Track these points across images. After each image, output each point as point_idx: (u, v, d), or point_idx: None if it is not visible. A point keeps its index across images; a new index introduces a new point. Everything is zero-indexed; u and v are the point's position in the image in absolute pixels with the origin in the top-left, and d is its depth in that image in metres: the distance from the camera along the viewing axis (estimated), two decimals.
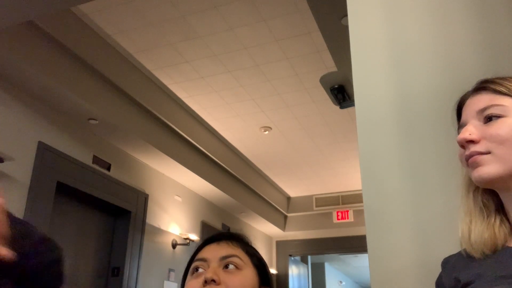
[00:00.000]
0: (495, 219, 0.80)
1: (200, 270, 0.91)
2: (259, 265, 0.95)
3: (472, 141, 0.78)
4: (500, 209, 0.81)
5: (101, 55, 3.55)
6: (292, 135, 5.19)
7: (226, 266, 0.90)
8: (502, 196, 0.80)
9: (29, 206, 3.08)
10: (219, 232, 1.02)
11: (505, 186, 0.77)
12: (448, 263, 0.85)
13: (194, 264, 0.93)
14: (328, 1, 2.55)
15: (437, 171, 1.07)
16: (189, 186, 5.23)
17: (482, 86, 0.82)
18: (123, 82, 3.75)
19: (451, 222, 1.00)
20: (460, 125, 0.84)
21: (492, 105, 0.78)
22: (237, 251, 0.93)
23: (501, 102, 0.78)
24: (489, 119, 0.78)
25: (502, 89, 0.79)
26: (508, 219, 0.80)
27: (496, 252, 0.77)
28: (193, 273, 0.92)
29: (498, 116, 0.77)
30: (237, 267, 0.90)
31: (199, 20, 3.35)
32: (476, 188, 0.83)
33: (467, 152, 0.78)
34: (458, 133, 0.83)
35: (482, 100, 0.80)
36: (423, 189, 1.07)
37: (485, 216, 0.80)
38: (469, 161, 0.78)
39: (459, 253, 0.85)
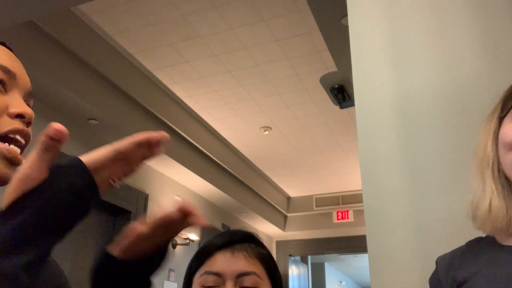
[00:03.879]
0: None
1: (213, 286, 0.83)
2: (273, 273, 0.89)
3: None
4: None
5: (101, 55, 3.55)
6: (292, 135, 5.19)
7: (243, 286, 0.82)
8: None
9: None
10: (230, 234, 0.91)
11: None
12: (443, 260, 0.85)
13: (204, 277, 0.84)
14: (328, 1, 2.55)
15: (437, 171, 1.07)
16: (189, 186, 5.22)
17: None
18: (123, 82, 3.75)
19: (451, 222, 1.00)
20: None
21: None
22: (254, 264, 0.85)
23: None
24: None
25: None
26: None
27: (494, 252, 0.76)
28: (203, 285, 0.84)
29: None
30: (254, 286, 0.83)
31: (199, 20, 3.35)
32: (499, 170, 0.81)
33: None
34: (501, 118, 0.80)
35: None
36: (423, 189, 1.07)
37: (507, 193, 0.78)
38: None
39: (454, 252, 0.85)
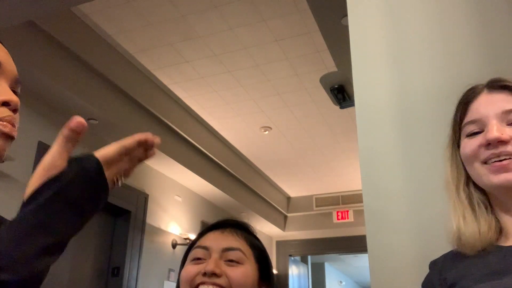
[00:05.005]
0: (488, 216, 0.79)
1: (201, 258, 0.88)
2: (261, 259, 0.92)
3: (502, 142, 0.73)
4: (490, 207, 0.80)
5: (101, 55, 3.55)
6: (292, 135, 5.19)
7: (228, 259, 0.87)
8: (504, 200, 0.78)
9: None
10: (224, 219, 0.97)
11: None
12: (436, 264, 0.85)
13: (194, 251, 0.90)
14: (328, 1, 2.55)
15: (437, 171, 1.07)
16: (189, 186, 5.22)
17: (503, 85, 0.78)
18: (123, 82, 3.75)
19: (451, 222, 1.00)
20: (473, 121, 0.79)
21: None
22: (241, 244, 0.90)
23: None
24: None
25: None
26: (497, 219, 0.79)
27: (485, 251, 0.76)
28: (192, 259, 0.89)
29: None
30: (238, 261, 0.87)
31: (199, 20, 3.35)
32: (466, 184, 0.81)
33: (496, 151, 0.73)
34: (461, 127, 0.81)
35: (507, 100, 0.76)
36: (423, 189, 1.07)
37: (478, 213, 0.79)
38: (498, 164, 0.73)
39: (446, 255, 0.85)
